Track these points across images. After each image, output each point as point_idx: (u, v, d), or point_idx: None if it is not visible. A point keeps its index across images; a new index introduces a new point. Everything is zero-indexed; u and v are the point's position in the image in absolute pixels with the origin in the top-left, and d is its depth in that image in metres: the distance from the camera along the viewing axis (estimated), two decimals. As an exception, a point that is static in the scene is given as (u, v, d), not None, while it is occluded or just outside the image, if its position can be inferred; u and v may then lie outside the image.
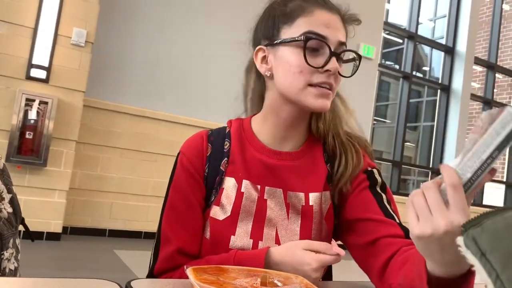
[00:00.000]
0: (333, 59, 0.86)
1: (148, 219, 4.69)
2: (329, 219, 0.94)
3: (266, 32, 0.92)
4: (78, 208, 4.41)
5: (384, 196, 0.93)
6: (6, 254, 0.84)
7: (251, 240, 0.88)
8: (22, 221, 0.92)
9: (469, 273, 0.61)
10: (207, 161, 0.92)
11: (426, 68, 12.42)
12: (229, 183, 0.91)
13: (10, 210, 0.91)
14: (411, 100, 7.10)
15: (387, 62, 12.44)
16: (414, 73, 7.09)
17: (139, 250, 4.18)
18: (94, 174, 4.52)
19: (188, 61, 4.95)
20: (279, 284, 0.65)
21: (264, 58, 0.92)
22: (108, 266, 3.60)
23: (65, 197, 4.09)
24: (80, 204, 4.44)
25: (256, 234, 0.89)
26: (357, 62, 0.94)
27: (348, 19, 0.94)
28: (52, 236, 3.99)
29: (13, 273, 0.80)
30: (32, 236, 1.00)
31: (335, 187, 0.94)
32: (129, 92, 4.68)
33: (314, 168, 0.94)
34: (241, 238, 0.88)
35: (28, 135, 3.90)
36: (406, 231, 0.87)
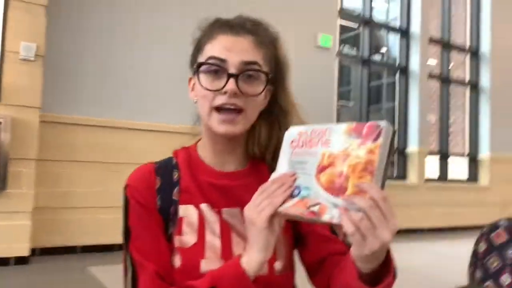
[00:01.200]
0: (231, 81, 0.87)
1: (120, 231, 4.59)
2: (288, 231, 0.96)
3: (191, 61, 0.99)
4: (45, 228, 4.27)
5: None
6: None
7: (223, 260, 0.88)
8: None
9: (386, 261, 0.73)
10: (157, 194, 0.92)
11: (384, 49, 12.64)
12: (188, 211, 0.91)
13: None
14: (372, 83, 7.20)
15: (347, 46, 12.58)
16: (372, 56, 7.18)
17: (113, 264, 4.09)
18: (59, 191, 4.38)
19: (143, 66, 4.85)
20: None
21: (194, 86, 0.97)
22: (82, 286, 3.51)
23: (30, 218, 3.96)
24: (47, 223, 4.30)
25: (226, 253, 0.89)
26: (265, 78, 0.93)
27: (263, 38, 0.94)
28: (20, 261, 3.86)
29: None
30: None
31: None
32: (86, 103, 4.55)
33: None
34: (211, 260, 0.87)
35: (-16, 159, 3.73)
36: (349, 246, 0.91)
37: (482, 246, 0.78)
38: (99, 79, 4.65)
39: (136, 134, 4.72)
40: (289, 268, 0.94)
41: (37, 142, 4.01)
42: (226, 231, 0.91)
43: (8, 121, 3.81)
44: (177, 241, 0.90)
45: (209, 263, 0.87)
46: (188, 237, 0.89)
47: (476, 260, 0.77)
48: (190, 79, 0.99)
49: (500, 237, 0.75)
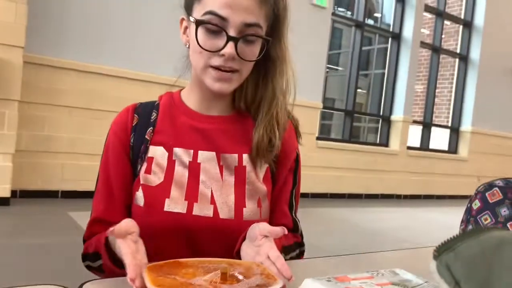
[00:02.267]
0: (230, 44, 0.84)
1: (102, 178, 4.57)
2: (267, 181, 0.96)
3: (185, 4, 0.93)
4: (27, 171, 4.23)
5: (296, 183, 1.01)
6: None
7: (186, 202, 0.89)
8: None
9: None
10: (132, 131, 0.94)
11: (377, 15, 12.46)
12: (158, 152, 0.93)
13: None
14: (362, 48, 7.13)
15: (339, 9, 12.37)
16: (366, 20, 7.08)
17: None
18: (42, 134, 4.31)
19: (135, 14, 4.69)
20: (240, 277, 0.63)
21: (186, 29, 0.93)
22: (62, 229, 3.53)
23: (11, 160, 3.90)
24: (28, 166, 4.25)
25: (191, 196, 0.90)
26: (265, 42, 0.90)
27: None
28: (1, 202, 3.83)
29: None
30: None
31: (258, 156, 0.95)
32: (73, 47, 4.41)
33: (246, 133, 0.96)
34: (175, 200, 0.89)
35: (-36, 96, 3.63)
36: (295, 224, 0.99)
37: (477, 204, 0.79)
38: (87, 23, 4.48)
39: (123, 82, 4.62)
40: (261, 214, 0.94)
41: (20, 83, 3.90)
42: (195, 175, 0.91)
43: (-10, 59, 3.68)
44: (143, 178, 0.91)
45: (173, 204, 0.88)
46: (154, 177, 0.91)
47: (469, 217, 0.79)
48: (181, 20, 0.94)
49: (494, 196, 0.76)
